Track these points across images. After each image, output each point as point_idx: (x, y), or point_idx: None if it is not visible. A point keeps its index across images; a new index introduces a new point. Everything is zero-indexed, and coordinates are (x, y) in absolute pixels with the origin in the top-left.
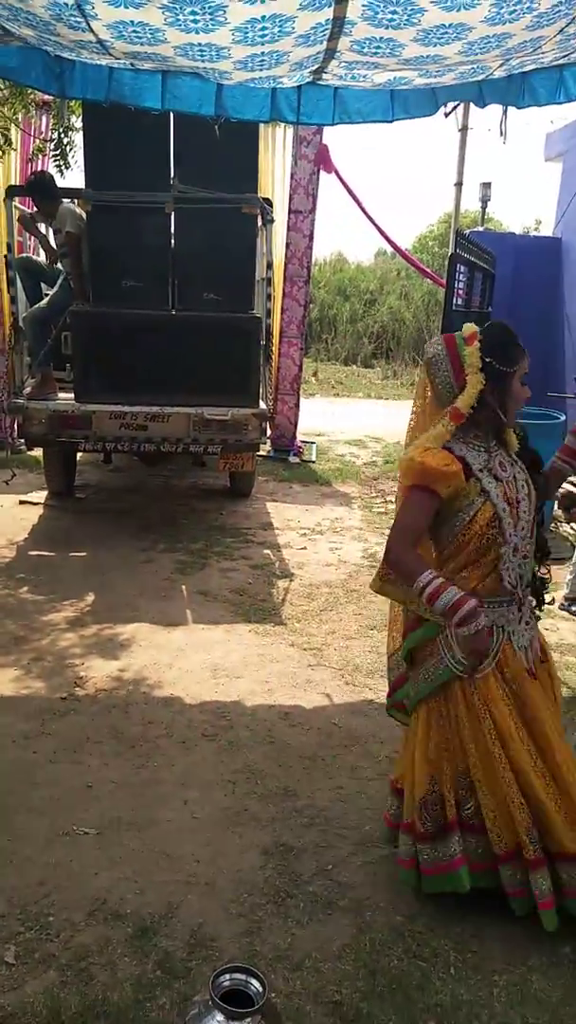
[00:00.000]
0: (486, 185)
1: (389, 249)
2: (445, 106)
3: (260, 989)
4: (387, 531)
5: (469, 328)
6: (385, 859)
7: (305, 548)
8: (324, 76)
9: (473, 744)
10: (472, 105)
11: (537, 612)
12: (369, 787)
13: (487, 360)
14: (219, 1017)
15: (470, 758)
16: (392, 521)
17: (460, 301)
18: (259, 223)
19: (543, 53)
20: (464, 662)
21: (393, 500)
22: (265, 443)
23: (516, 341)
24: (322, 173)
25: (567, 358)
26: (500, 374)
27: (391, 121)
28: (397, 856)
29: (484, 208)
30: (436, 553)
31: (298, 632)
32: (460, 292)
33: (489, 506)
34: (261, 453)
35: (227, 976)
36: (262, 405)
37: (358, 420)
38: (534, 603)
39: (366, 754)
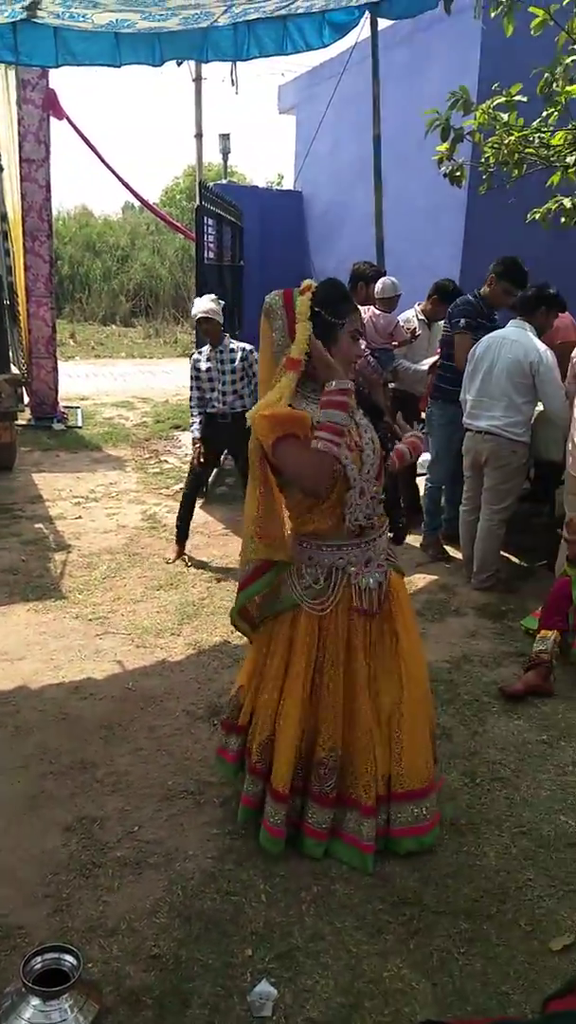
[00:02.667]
0: (224, 137)
1: (137, 203)
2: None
3: (74, 963)
4: (164, 492)
5: (307, 282)
6: (191, 808)
7: (80, 517)
8: (39, 13)
9: (286, 669)
10: None
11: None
12: (169, 743)
13: (315, 309)
14: (34, 1001)
15: (285, 683)
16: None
17: (212, 255)
18: None
19: (264, 1)
20: (305, 597)
21: (167, 459)
22: (23, 411)
23: (348, 297)
24: (54, 120)
25: None
26: (328, 324)
27: (119, 66)
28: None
29: (225, 160)
30: (288, 504)
31: (81, 603)
32: (211, 246)
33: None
34: (20, 422)
35: (38, 958)
36: (14, 370)
37: (123, 381)
38: (385, 544)
39: (163, 712)
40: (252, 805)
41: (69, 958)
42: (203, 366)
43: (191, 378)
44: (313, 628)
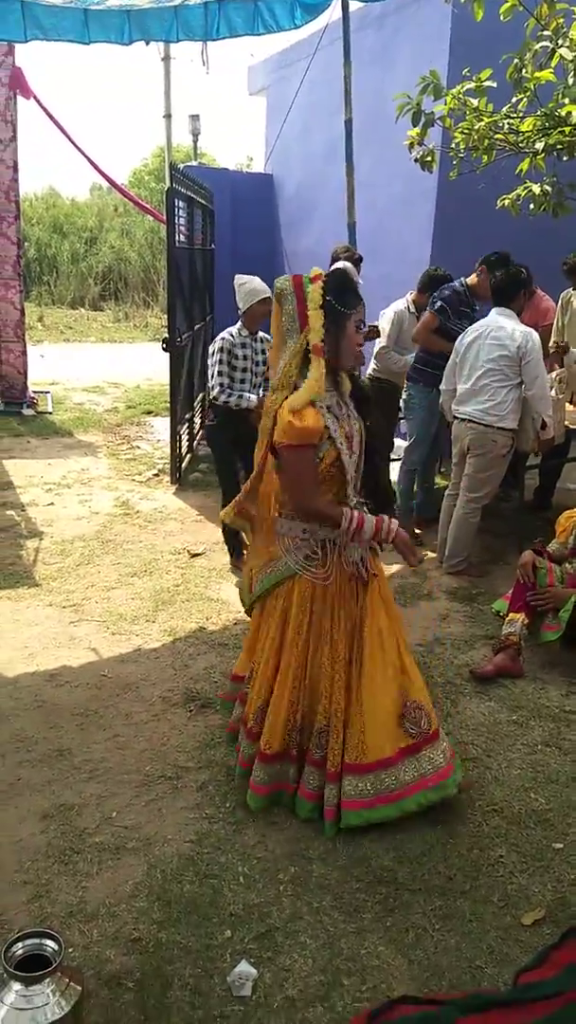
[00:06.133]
0: (194, 118)
1: (105, 184)
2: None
3: (56, 947)
4: (137, 478)
5: (316, 270)
6: (169, 793)
7: (52, 504)
8: None
9: (281, 639)
10: None
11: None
12: (145, 729)
13: (327, 299)
14: (16, 987)
15: (281, 652)
16: (285, 475)
17: (183, 238)
18: None
19: None
20: (307, 566)
21: (139, 445)
22: None
23: (355, 288)
24: (21, 100)
25: None
26: (337, 314)
27: (88, 43)
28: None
29: (195, 141)
30: (282, 484)
31: (55, 591)
32: (182, 228)
33: (333, 449)
34: None
35: (19, 944)
36: None
37: (94, 366)
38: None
39: (139, 699)
40: (246, 766)
41: (50, 943)
42: (239, 352)
43: (223, 362)
44: (307, 597)
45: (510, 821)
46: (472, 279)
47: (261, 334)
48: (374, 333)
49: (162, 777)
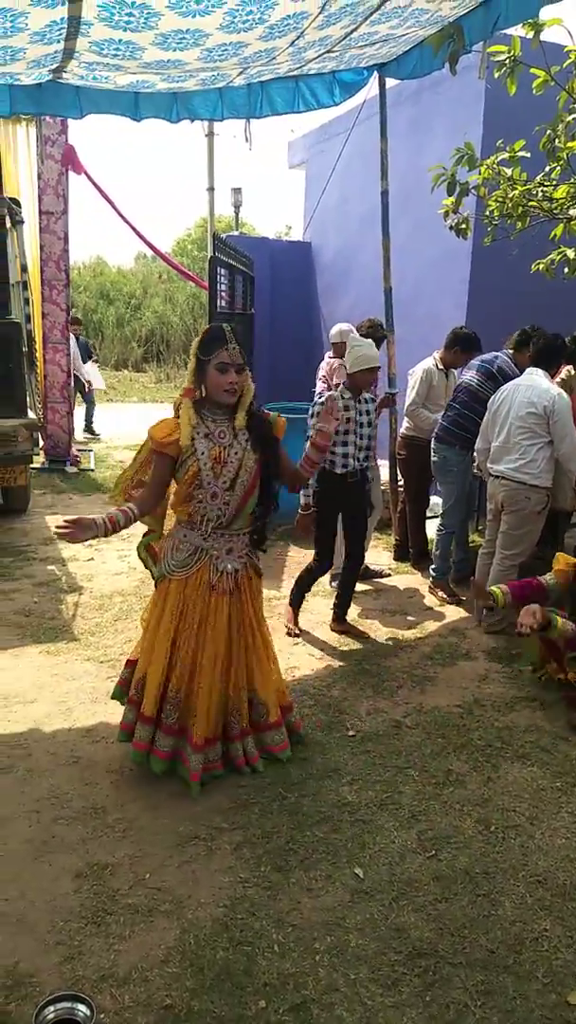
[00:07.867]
0: (236, 190)
1: (149, 252)
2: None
3: (88, 1012)
4: None
5: (204, 328)
6: (203, 855)
7: (92, 559)
8: (64, 76)
9: (158, 627)
10: None
11: (253, 552)
12: (179, 788)
13: (196, 352)
14: None
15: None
16: None
17: (224, 303)
18: (7, 224)
19: (278, 64)
20: (172, 569)
21: None
22: (38, 454)
23: (222, 336)
24: (72, 174)
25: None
26: (199, 362)
27: (139, 119)
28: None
29: (237, 213)
30: (175, 492)
31: (93, 646)
32: (223, 294)
33: (195, 466)
34: (35, 465)
35: (51, 1008)
36: (31, 415)
37: (135, 425)
38: (249, 544)
39: None
40: (125, 728)
41: (82, 1008)
42: (340, 415)
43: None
44: (178, 595)
45: (555, 893)
46: (519, 355)
47: (366, 395)
48: (389, 401)
49: (196, 838)
